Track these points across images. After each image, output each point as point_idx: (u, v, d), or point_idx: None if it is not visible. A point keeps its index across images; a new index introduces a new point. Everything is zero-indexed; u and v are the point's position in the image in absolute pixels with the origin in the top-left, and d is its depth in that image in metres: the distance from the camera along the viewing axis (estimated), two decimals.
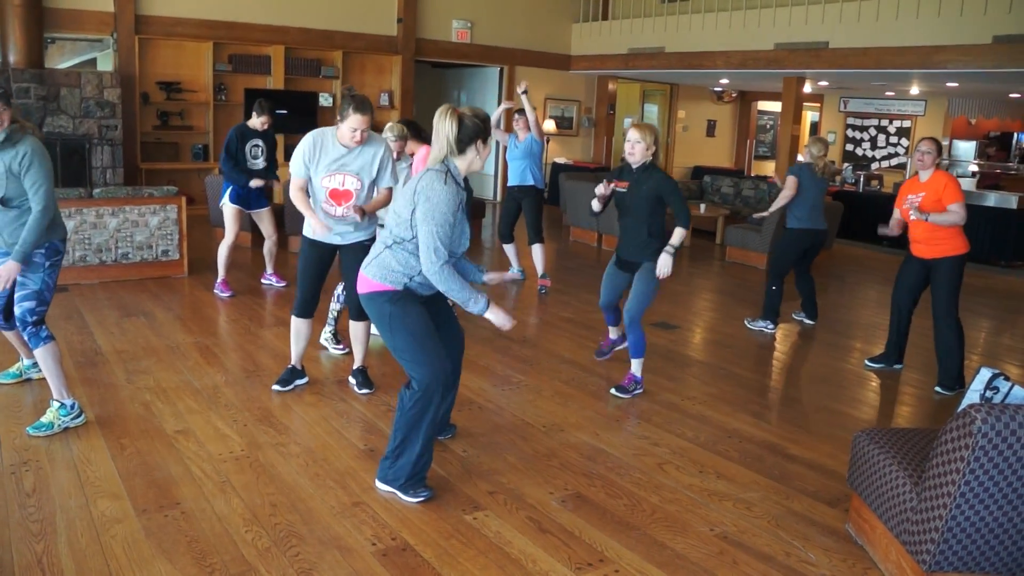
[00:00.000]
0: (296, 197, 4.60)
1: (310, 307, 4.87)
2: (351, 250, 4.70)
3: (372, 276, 3.60)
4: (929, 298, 5.74)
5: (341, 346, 5.76)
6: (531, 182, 7.80)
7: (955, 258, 5.50)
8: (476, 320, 6.73)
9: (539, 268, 7.96)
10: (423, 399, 3.56)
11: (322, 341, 5.82)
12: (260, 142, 7.09)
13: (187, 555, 3.17)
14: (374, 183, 4.65)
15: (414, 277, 3.56)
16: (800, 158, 6.97)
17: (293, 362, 5.02)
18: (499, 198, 15.17)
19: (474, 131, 3.53)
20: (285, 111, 11.30)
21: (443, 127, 3.51)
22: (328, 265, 4.82)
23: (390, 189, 4.68)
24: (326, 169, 4.52)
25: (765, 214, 7.38)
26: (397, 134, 5.57)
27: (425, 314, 3.62)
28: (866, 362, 6.13)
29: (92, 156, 10.49)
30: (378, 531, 3.41)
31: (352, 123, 4.39)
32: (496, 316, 3.60)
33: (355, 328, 5.03)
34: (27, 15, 10.06)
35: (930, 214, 5.38)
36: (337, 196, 4.57)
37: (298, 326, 4.91)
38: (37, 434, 4.13)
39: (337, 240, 4.69)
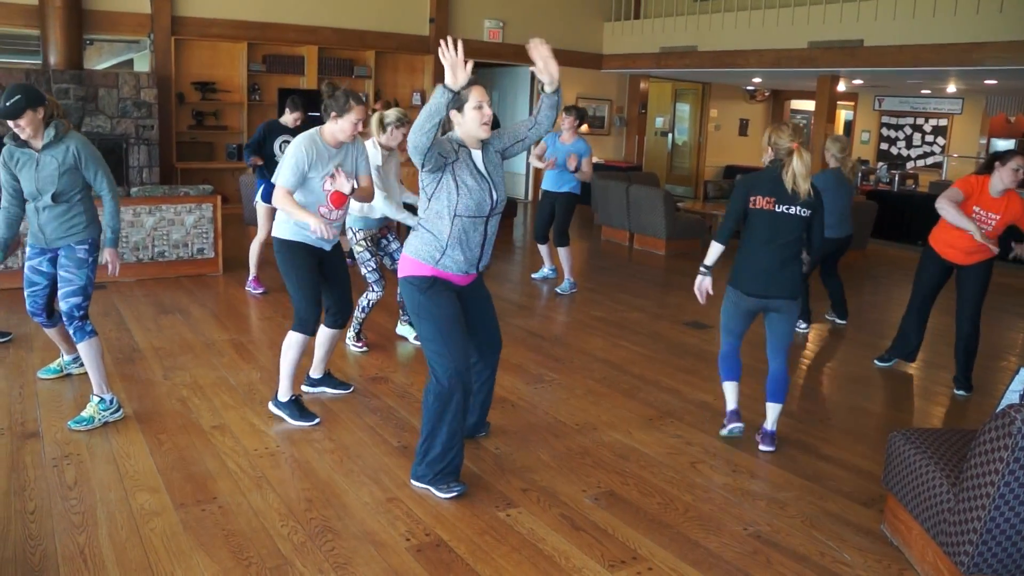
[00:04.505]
0: (290, 206, 4.16)
1: (319, 317, 4.57)
2: (334, 253, 4.55)
3: (410, 252, 3.63)
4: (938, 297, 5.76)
5: (360, 344, 5.80)
6: (567, 188, 7.66)
7: (991, 260, 5.40)
8: (510, 320, 6.76)
9: (565, 270, 7.91)
10: (442, 394, 3.59)
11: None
12: (289, 139, 7.11)
13: (224, 548, 3.21)
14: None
15: (445, 250, 3.57)
16: (827, 151, 6.80)
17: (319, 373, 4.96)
18: (530, 197, 15.18)
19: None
20: (318, 113, 11.37)
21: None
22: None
23: (370, 177, 4.56)
24: (326, 173, 4.31)
25: None
26: (399, 117, 5.36)
27: (456, 308, 3.64)
28: (875, 361, 6.12)
29: (129, 155, 10.64)
30: (412, 527, 3.44)
31: (355, 115, 4.22)
32: (449, 71, 3.20)
33: (327, 335, 4.77)
34: (67, 17, 10.23)
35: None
36: (338, 199, 4.39)
37: (308, 339, 4.54)
38: (78, 428, 4.21)
39: (326, 246, 4.48)
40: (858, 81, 14.48)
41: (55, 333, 4.74)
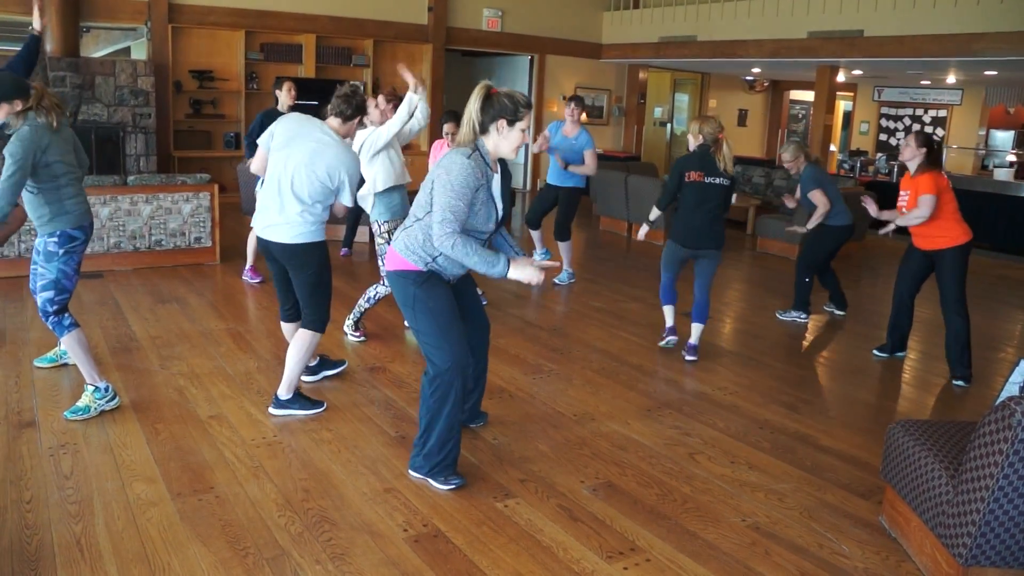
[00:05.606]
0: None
1: None
2: None
3: (399, 250, 3.57)
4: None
5: (359, 333, 5.78)
6: (571, 184, 7.45)
7: (956, 248, 5.43)
8: (508, 310, 6.75)
9: (564, 261, 7.82)
10: (441, 385, 3.56)
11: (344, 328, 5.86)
12: None
13: (221, 538, 3.20)
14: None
15: (437, 257, 3.53)
16: (788, 162, 6.82)
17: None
18: (528, 187, 15.14)
19: (498, 110, 3.41)
20: (316, 102, 11.30)
21: (469, 104, 3.44)
22: None
23: None
24: None
25: (803, 230, 6.93)
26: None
27: (451, 298, 3.60)
28: (874, 352, 6.12)
29: (126, 144, 10.61)
30: (410, 517, 3.43)
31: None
32: (520, 273, 3.41)
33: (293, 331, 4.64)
34: (64, 4, 10.17)
35: (900, 216, 5.56)
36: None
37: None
38: (74, 418, 4.19)
39: None
40: (858, 72, 14.45)
41: None
